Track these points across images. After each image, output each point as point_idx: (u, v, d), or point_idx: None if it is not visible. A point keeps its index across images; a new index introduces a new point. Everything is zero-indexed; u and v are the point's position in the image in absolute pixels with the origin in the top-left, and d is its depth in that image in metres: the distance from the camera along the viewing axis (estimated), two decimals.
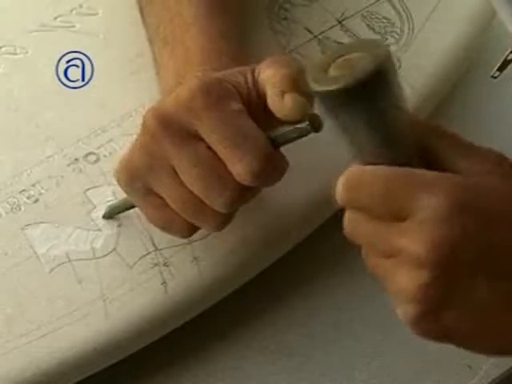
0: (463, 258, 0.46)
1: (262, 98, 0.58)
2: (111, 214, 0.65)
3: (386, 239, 0.48)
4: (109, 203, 0.65)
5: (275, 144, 0.56)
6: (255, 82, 0.58)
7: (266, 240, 0.65)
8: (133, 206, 0.63)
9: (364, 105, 0.48)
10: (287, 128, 0.55)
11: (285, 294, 0.69)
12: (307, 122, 0.55)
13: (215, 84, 0.57)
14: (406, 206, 0.47)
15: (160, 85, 0.66)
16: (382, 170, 0.49)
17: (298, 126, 0.54)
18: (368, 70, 0.47)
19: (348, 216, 0.50)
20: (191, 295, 0.63)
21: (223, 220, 0.59)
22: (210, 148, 0.56)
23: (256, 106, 0.58)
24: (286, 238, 0.67)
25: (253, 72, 0.59)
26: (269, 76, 0.57)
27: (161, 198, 0.59)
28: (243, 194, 0.57)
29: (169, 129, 0.57)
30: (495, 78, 0.69)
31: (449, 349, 0.66)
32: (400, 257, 0.47)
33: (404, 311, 0.48)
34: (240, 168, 0.55)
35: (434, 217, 0.46)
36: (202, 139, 0.56)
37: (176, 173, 0.57)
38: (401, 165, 0.49)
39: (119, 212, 0.64)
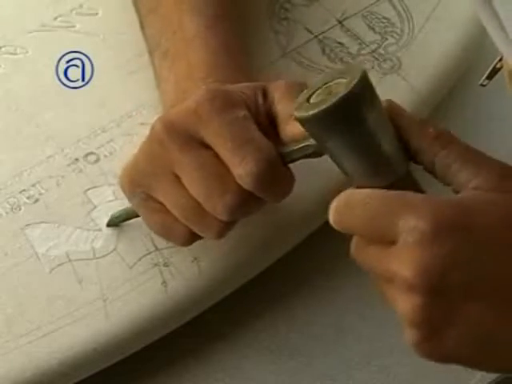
0: (454, 280, 0.46)
1: (271, 120, 0.58)
2: (114, 223, 0.65)
3: (380, 264, 0.48)
4: (111, 213, 0.65)
5: (286, 160, 0.56)
6: (266, 103, 0.58)
7: (266, 240, 0.65)
8: (136, 216, 0.63)
9: (339, 128, 0.49)
10: (296, 145, 0.55)
11: (285, 294, 0.69)
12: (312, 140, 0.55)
13: (221, 92, 0.57)
14: (392, 230, 0.47)
15: (161, 97, 0.66)
16: (366, 193, 0.49)
17: (307, 142, 0.54)
18: (338, 95, 0.48)
19: (352, 241, 0.50)
20: (191, 295, 0.63)
21: (223, 228, 0.58)
22: (214, 155, 0.56)
23: (263, 124, 0.58)
24: (286, 238, 0.67)
25: (263, 92, 0.59)
26: (284, 112, 0.57)
27: (161, 203, 0.59)
28: (245, 200, 0.56)
29: (175, 135, 0.57)
30: (484, 85, 0.69)
31: None
32: (394, 281, 0.47)
33: (408, 336, 0.48)
34: (241, 169, 0.55)
35: (420, 240, 0.46)
36: (207, 147, 0.56)
37: (178, 179, 0.57)
38: (392, 185, 0.50)
39: (122, 221, 0.64)
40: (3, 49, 0.74)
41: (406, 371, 0.67)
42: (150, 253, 0.64)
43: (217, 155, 0.56)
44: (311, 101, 0.50)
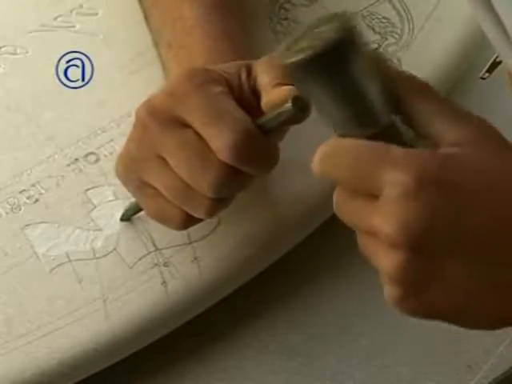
0: (437, 237, 0.45)
1: (255, 95, 0.59)
2: (127, 217, 0.65)
3: (363, 218, 0.47)
4: (125, 206, 0.65)
5: (264, 130, 0.56)
6: (250, 79, 0.59)
7: (266, 240, 0.65)
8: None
9: (326, 75, 0.48)
10: (273, 112, 0.56)
11: (285, 294, 0.69)
12: (290, 103, 0.55)
13: (199, 71, 0.58)
14: (375, 183, 0.46)
15: None
16: (351, 143, 0.47)
17: (282, 108, 0.54)
18: (327, 41, 0.46)
19: (334, 194, 0.49)
20: (191, 295, 0.63)
21: (213, 205, 0.58)
22: (195, 133, 0.57)
23: (247, 101, 0.58)
24: (286, 238, 0.67)
25: (248, 68, 0.59)
26: (265, 83, 0.58)
27: (154, 188, 0.59)
28: (229, 175, 0.56)
29: (156, 117, 0.58)
30: (484, 79, 0.69)
31: (449, 349, 0.67)
32: (377, 237, 0.46)
33: (388, 292, 0.47)
34: (218, 142, 0.55)
35: (402, 195, 0.45)
36: (188, 126, 0.57)
37: (165, 161, 0.58)
38: (375, 136, 0.48)
39: (133, 214, 0.64)
40: (3, 49, 0.74)
41: (406, 371, 0.67)
42: (149, 253, 0.64)
43: (197, 133, 0.57)
44: (296, 47, 0.49)
